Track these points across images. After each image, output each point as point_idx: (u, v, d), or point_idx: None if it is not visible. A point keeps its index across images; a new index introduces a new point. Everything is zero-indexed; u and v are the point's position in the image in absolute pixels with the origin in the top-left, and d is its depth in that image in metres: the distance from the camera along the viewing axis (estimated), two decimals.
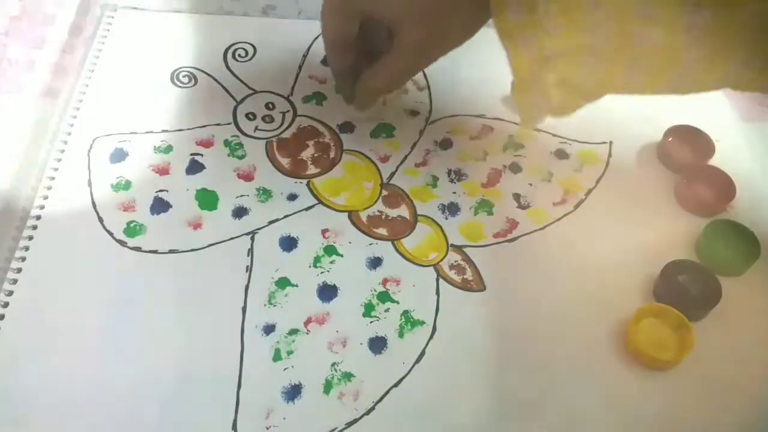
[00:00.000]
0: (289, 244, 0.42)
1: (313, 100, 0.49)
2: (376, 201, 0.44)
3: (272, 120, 0.48)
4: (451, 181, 0.46)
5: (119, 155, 0.45)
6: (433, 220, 0.44)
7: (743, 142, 0.49)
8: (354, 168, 0.46)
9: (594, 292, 0.41)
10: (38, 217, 0.41)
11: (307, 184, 0.45)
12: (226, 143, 0.46)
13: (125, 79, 0.49)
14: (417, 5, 0.39)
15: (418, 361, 0.38)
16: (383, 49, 0.41)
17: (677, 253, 0.43)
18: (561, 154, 0.48)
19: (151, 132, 0.46)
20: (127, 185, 0.43)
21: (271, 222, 0.43)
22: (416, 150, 0.47)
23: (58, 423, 0.35)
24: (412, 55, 0.41)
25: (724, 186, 0.45)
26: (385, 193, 0.45)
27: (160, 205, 0.43)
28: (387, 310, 0.40)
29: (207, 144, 0.46)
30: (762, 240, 0.43)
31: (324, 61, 0.51)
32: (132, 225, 0.42)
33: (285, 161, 0.46)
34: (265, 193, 0.44)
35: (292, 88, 0.50)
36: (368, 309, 0.40)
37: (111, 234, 0.41)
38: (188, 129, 0.47)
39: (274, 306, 0.39)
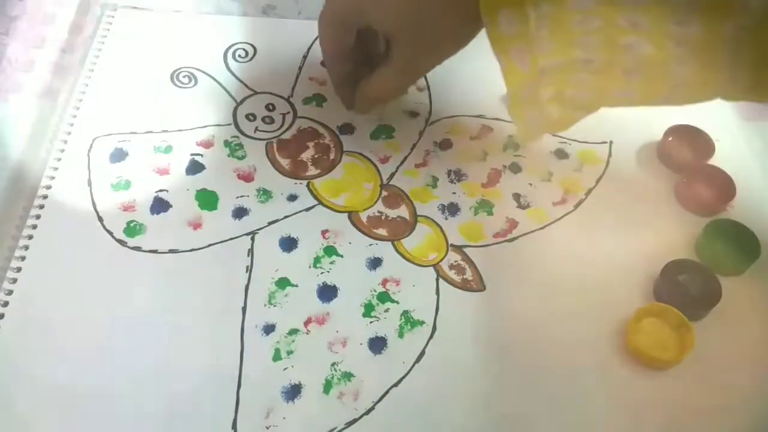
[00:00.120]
0: (289, 244, 0.42)
1: (314, 101, 0.49)
2: (376, 202, 0.44)
3: (272, 121, 0.48)
4: (451, 181, 0.46)
5: (119, 155, 0.45)
6: (433, 220, 0.44)
7: (743, 142, 0.49)
8: (354, 169, 0.46)
9: (594, 292, 0.41)
10: (38, 217, 0.41)
11: (307, 185, 0.45)
12: (226, 144, 0.46)
13: (125, 79, 0.49)
14: (409, 18, 0.39)
15: (418, 361, 0.38)
16: (381, 55, 0.42)
17: (677, 253, 0.43)
18: (561, 154, 0.48)
19: (151, 132, 0.46)
20: (127, 185, 0.43)
21: (271, 222, 0.43)
22: (416, 151, 0.47)
23: (58, 422, 0.35)
24: (406, 67, 0.42)
25: (724, 186, 0.45)
26: (385, 193, 0.45)
27: (160, 205, 0.43)
28: (387, 310, 0.40)
29: (207, 144, 0.46)
30: (762, 240, 0.43)
31: (324, 63, 0.51)
32: (132, 225, 0.42)
33: (285, 162, 0.46)
34: (265, 194, 0.44)
35: (293, 89, 0.50)
36: (368, 309, 0.40)
37: (111, 234, 0.41)
38: (188, 129, 0.47)
39: (274, 306, 0.39)
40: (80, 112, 0.47)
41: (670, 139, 0.47)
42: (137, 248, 0.41)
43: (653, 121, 0.48)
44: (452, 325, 0.39)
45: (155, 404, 0.35)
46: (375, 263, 0.42)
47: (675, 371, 0.38)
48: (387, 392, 0.37)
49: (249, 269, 0.41)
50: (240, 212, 0.43)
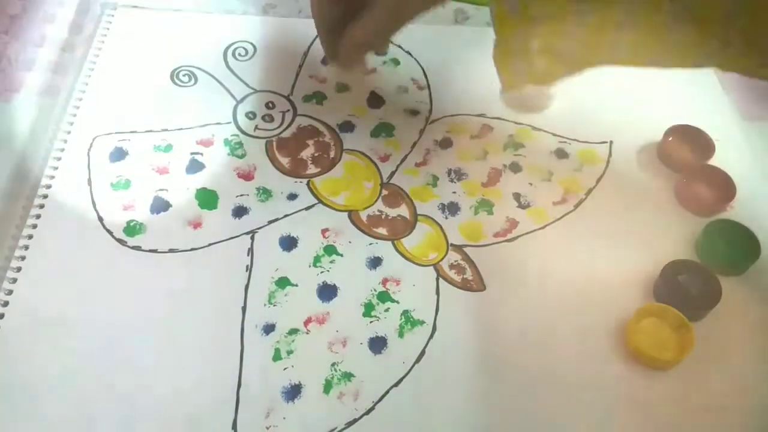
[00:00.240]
0: (289, 243, 0.42)
1: (314, 99, 0.49)
2: (376, 200, 0.44)
3: (272, 119, 0.48)
4: (451, 180, 0.46)
5: (119, 154, 0.45)
6: (433, 219, 0.44)
7: (743, 142, 0.49)
8: (354, 167, 0.46)
9: (594, 292, 0.41)
10: (38, 216, 0.41)
11: (307, 184, 0.45)
12: (226, 142, 0.46)
13: (125, 78, 0.49)
14: None
15: (418, 361, 0.38)
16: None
17: (677, 253, 0.43)
18: (561, 154, 0.48)
19: (151, 131, 0.46)
20: (126, 184, 0.43)
21: (271, 221, 0.43)
22: (416, 149, 0.47)
23: (58, 422, 0.35)
24: (395, 7, 0.40)
25: (724, 186, 0.45)
26: (385, 192, 0.45)
27: (159, 205, 0.43)
28: (387, 310, 0.40)
29: (207, 143, 0.46)
30: (762, 240, 0.43)
31: (324, 61, 0.51)
32: (132, 224, 0.42)
33: (285, 161, 0.46)
34: (265, 193, 0.44)
35: (293, 87, 0.50)
36: (368, 309, 0.40)
37: (111, 233, 0.41)
38: (188, 128, 0.46)
39: (274, 306, 0.39)
40: (80, 111, 0.47)
41: (670, 139, 0.47)
42: (137, 248, 0.41)
43: (653, 121, 0.49)
44: (452, 325, 0.39)
45: (155, 404, 0.35)
46: (375, 262, 0.42)
47: (675, 371, 0.38)
48: (387, 392, 0.37)
49: (249, 268, 0.41)
50: (240, 211, 0.43)
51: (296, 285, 0.40)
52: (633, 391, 0.38)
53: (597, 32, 0.35)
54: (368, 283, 0.41)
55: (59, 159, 0.44)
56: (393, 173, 0.46)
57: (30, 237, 0.40)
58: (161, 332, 0.38)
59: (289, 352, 0.38)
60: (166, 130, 0.46)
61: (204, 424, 0.35)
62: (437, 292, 0.41)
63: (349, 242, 0.42)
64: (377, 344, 0.38)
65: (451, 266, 0.42)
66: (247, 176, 0.45)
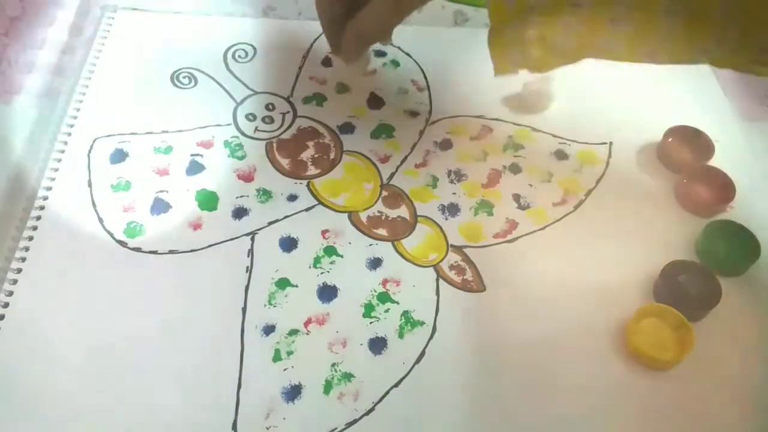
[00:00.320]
0: (289, 244, 0.42)
1: (314, 101, 0.49)
2: (376, 201, 0.44)
3: (272, 121, 0.48)
4: (451, 181, 0.46)
5: (119, 156, 0.45)
6: (433, 220, 0.44)
7: (743, 143, 0.49)
8: (354, 169, 0.46)
9: (594, 292, 0.41)
10: (38, 218, 0.41)
11: (307, 185, 0.45)
12: (226, 144, 0.46)
13: (125, 80, 0.49)
14: None
15: (418, 361, 0.38)
16: None
17: (677, 253, 0.43)
18: (561, 155, 0.48)
19: (151, 133, 0.46)
20: (127, 186, 0.43)
21: (271, 223, 0.43)
22: (416, 151, 0.47)
23: (58, 423, 0.35)
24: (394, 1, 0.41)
25: (724, 186, 0.45)
26: (385, 193, 0.45)
27: (160, 206, 0.43)
28: (387, 311, 0.40)
29: (207, 145, 0.46)
30: (762, 240, 0.43)
31: (324, 62, 0.52)
32: (132, 226, 0.42)
33: (285, 162, 0.46)
34: (265, 194, 0.44)
35: (292, 89, 0.50)
36: (368, 309, 0.40)
37: (111, 235, 0.41)
38: (188, 130, 0.47)
39: (274, 306, 0.39)
40: (80, 113, 0.47)
41: (670, 139, 0.47)
42: (137, 249, 0.41)
43: (653, 121, 0.49)
44: (452, 326, 0.39)
45: (156, 405, 0.35)
46: (375, 263, 0.42)
47: (675, 371, 0.38)
48: (387, 393, 0.37)
49: (249, 270, 0.41)
50: (240, 212, 0.43)
51: (296, 286, 0.40)
52: (633, 391, 0.38)
53: (592, 25, 0.35)
54: (368, 283, 0.41)
55: (59, 161, 0.44)
56: (393, 174, 0.46)
57: (30, 239, 0.40)
58: (161, 333, 0.38)
59: (289, 353, 0.38)
60: (167, 131, 0.46)
61: (204, 424, 0.35)
62: (437, 293, 0.41)
63: (349, 243, 0.42)
64: (377, 345, 0.38)
65: (451, 267, 0.42)
66: (247, 177, 0.45)
